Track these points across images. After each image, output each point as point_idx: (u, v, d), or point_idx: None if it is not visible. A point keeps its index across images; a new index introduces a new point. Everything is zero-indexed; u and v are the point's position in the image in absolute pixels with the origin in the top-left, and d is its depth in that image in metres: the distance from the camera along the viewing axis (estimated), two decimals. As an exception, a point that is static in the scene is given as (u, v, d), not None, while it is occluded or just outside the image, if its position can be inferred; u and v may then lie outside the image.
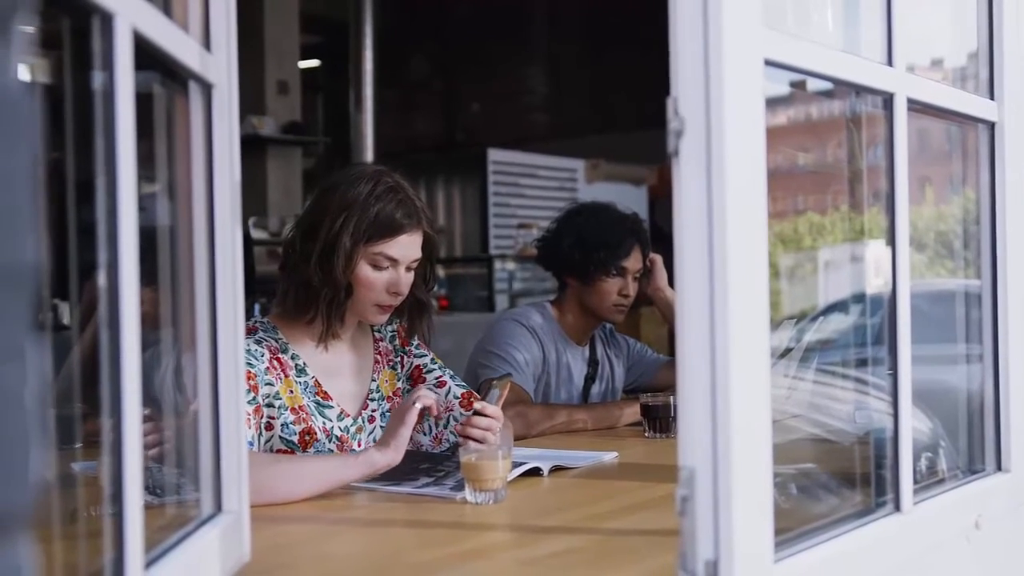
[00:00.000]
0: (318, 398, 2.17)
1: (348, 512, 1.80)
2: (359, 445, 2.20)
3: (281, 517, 1.77)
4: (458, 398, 2.30)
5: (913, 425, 1.51)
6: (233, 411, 1.35)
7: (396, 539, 1.66)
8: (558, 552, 1.54)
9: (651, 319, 6.45)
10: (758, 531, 1.17)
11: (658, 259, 3.05)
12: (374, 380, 2.29)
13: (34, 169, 0.56)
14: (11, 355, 0.54)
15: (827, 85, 1.53)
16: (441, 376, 2.33)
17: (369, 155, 8.15)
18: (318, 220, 2.12)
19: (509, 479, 1.91)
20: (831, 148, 1.94)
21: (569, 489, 2.04)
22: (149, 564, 1.06)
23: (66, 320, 1.77)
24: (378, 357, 2.31)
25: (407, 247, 2.15)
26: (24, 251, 0.55)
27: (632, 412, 2.76)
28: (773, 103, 1.26)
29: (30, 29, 0.57)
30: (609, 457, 2.30)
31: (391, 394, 2.30)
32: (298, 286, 2.14)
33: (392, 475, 1.99)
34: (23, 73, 0.55)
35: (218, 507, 1.33)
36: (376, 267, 2.13)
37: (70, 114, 1.11)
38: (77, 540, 1.18)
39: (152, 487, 1.26)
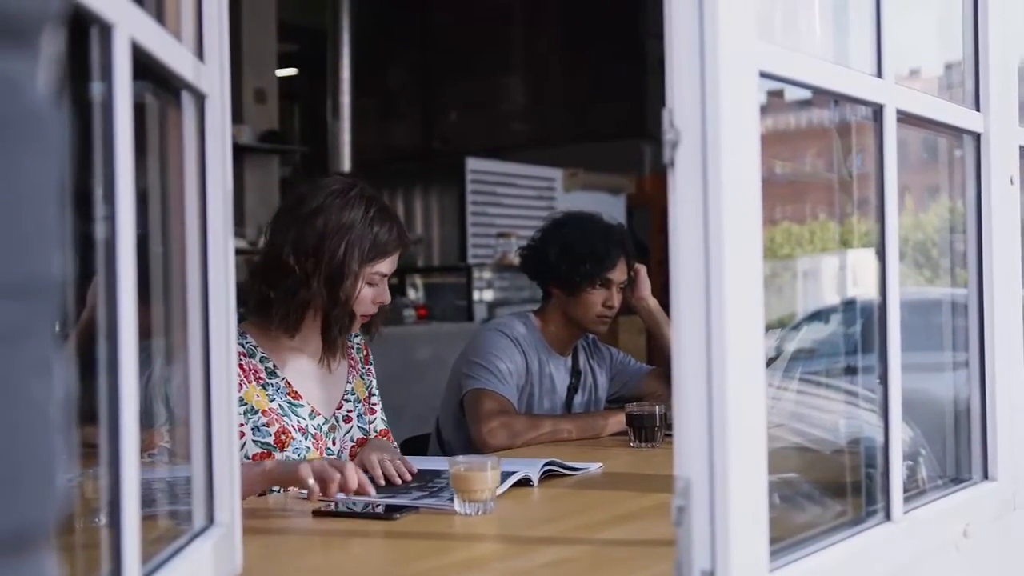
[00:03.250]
0: (289, 398, 2.22)
1: (339, 524, 1.79)
2: (334, 444, 2.28)
3: (272, 529, 1.76)
4: (377, 432, 2.38)
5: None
6: (225, 423, 1.34)
7: (387, 551, 1.66)
8: (551, 562, 1.54)
9: (629, 328, 6.45)
10: (754, 541, 1.18)
11: (642, 268, 3.05)
12: (349, 382, 2.36)
13: (61, 183, 0.56)
14: (39, 368, 0.54)
15: (805, 94, 1.54)
16: (376, 404, 2.45)
17: (346, 164, 8.13)
18: (316, 243, 2.17)
19: (501, 490, 1.91)
20: (809, 157, 1.96)
21: (558, 499, 2.03)
22: (144, 578, 1.05)
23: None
24: (351, 362, 2.39)
25: (395, 262, 2.28)
26: (52, 265, 0.55)
27: (617, 422, 2.76)
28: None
29: (56, 41, 0.57)
30: (595, 467, 2.30)
31: (363, 399, 2.39)
32: (299, 307, 2.19)
33: (385, 489, 1.99)
34: (49, 85, 0.55)
35: (210, 520, 1.32)
36: (370, 284, 2.23)
37: (65, 123, 1.10)
38: (67, 552, 1.17)
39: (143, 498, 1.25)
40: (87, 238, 0.99)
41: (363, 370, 2.43)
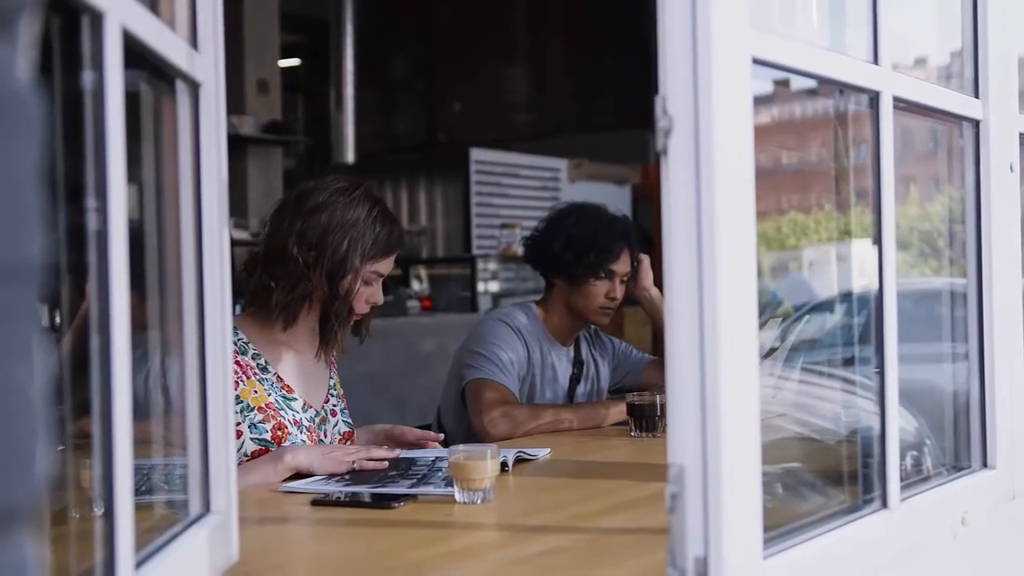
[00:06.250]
0: (283, 392, 2.25)
1: (336, 513, 1.80)
2: (325, 436, 2.32)
3: (269, 518, 1.76)
4: (340, 435, 2.38)
5: (899, 424, 1.52)
6: (221, 412, 1.34)
7: (385, 539, 1.66)
8: (548, 551, 1.54)
9: (634, 318, 6.46)
10: (747, 528, 1.18)
11: (645, 259, 3.05)
12: (331, 378, 2.41)
13: (40, 167, 0.56)
14: (20, 351, 0.54)
15: (810, 83, 1.53)
16: (344, 405, 2.45)
17: (350, 155, 8.15)
18: (319, 237, 2.21)
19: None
20: (814, 147, 1.95)
21: (557, 489, 2.04)
22: (139, 564, 1.06)
23: (44, 322, 1.76)
24: (332, 360, 2.43)
25: (392, 263, 2.32)
26: (32, 249, 0.55)
27: (618, 411, 2.76)
28: (756, 102, 1.27)
29: (35, 27, 0.57)
30: (543, 453, 2.31)
31: (341, 395, 2.44)
32: (298, 298, 2.22)
33: (370, 480, 1.99)
34: (28, 71, 0.55)
35: (206, 507, 1.33)
36: (366, 283, 2.27)
37: (56, 113, 1.10)
38: (64, 541, 1.17)
39: (139, 487, 1.25)
40: (83, 229, 0.99)
41: (338, 368, 2.48)
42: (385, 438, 2.41)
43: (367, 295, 2.28)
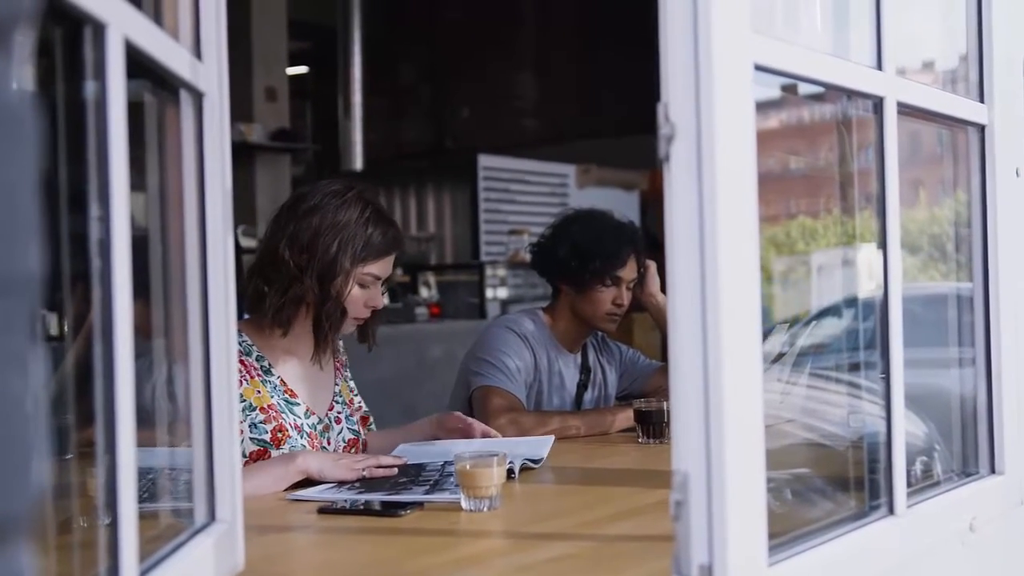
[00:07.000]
0: (286, 396, 2.25)
1: (342, 521, 1.79)
2: (328, 443, 2.31)
3: (274, 526, 1.76)
4: (345, 442, 2.38)
5: (907, 429, 1.52)
6: (226, 421, 1.34)
7: (391, 547, 1.66)
8: (554, 558, 1.54)
9: (643, 324, 6.45)
10: (752, 535, 1.17)
11: (652, 265, 3.04)
12: (337, 384, 2.40)
13: (36, 179, 0.57)
14: (14, 362, 0.54)
15: (818, 89, 1.53)
16: (350, 412, 2.43)
17: (358, 162, 8.15)
18: (310, 239, 2.21)
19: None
20: (823, 152, 1.95)
21: (563, 495, 2.04)
22: (143, 573, 1.06)
23: (53, 331, 1.76)
24: (338, 365, 2.43)
25: (390, 266, 2.31)
26: (27, 260, 0.55)
27: (625, 418, 2.76)
28: (764, 107, 1.27)
29: (30, 39, 0.57)
30: (548, 443, 2.32)
31: (347, 401, 2.42)
32: (291, 302, 2.22)
33: (381, 488, 1.99)
34: (24, 83, 0.56)
35: (212, 516, 1.33)
36: (362, 286, 2.26)
37: (60, 123, 1.11)
38: (70, 550, 1.18)
39: (143, 495, 1.25)
40: (79, 238, 1.00)
41: (346, 374, 2.47)
42: (444, 428, 2.43)
43: (365, 298, 2.26)
